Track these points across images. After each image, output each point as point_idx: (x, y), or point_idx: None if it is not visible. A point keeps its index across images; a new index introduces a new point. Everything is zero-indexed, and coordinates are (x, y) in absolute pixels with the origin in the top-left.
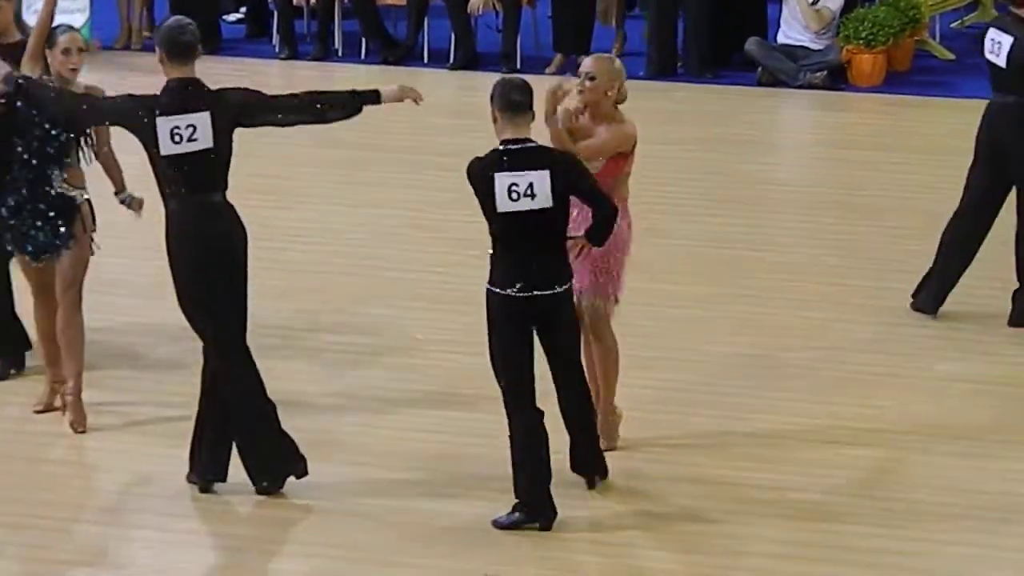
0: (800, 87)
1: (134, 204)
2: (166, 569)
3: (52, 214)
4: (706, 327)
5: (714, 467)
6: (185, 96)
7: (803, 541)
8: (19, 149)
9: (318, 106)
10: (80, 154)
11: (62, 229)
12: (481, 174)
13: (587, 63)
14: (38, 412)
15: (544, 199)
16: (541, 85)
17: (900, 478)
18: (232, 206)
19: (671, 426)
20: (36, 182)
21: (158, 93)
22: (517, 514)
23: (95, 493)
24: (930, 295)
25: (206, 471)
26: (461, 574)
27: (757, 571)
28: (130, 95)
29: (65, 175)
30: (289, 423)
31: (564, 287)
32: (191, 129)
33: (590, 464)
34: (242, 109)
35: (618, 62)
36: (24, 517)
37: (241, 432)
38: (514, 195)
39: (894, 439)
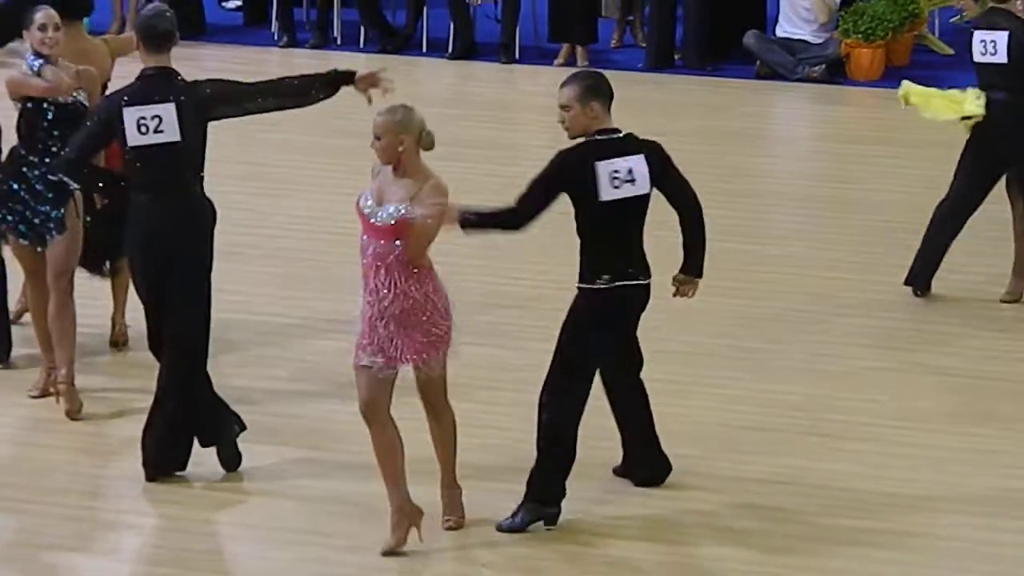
0: (798, 80)
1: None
2: (155, 555)
3: (51, 195)
4: (702, 319)
5: (711, 460)
6: (153, 86)
7: (800, 535)
8: (41, 135)
9: (295, 82)
10: None
11: (54, 214)
12: (581, 164)
13: (374, 121)
14: (33, 397)
15: (644, 183)
16: (540, 76)
17: (898, 472)
18: (202, 202)
19: (667, 419)
20: (47, 174)
21: (125, 87)
22: (521, 514)
23: (86, 479)
24: (918, 272)
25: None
26: (463, 561)
27: (748, 562)
28: (95, 113)
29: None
30: (285, 412)
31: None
32: (157, 120)
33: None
34: (212, 100)
35: (402, 112)
36: (17, 503)
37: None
38: (616, 182)
39: (891, 433)
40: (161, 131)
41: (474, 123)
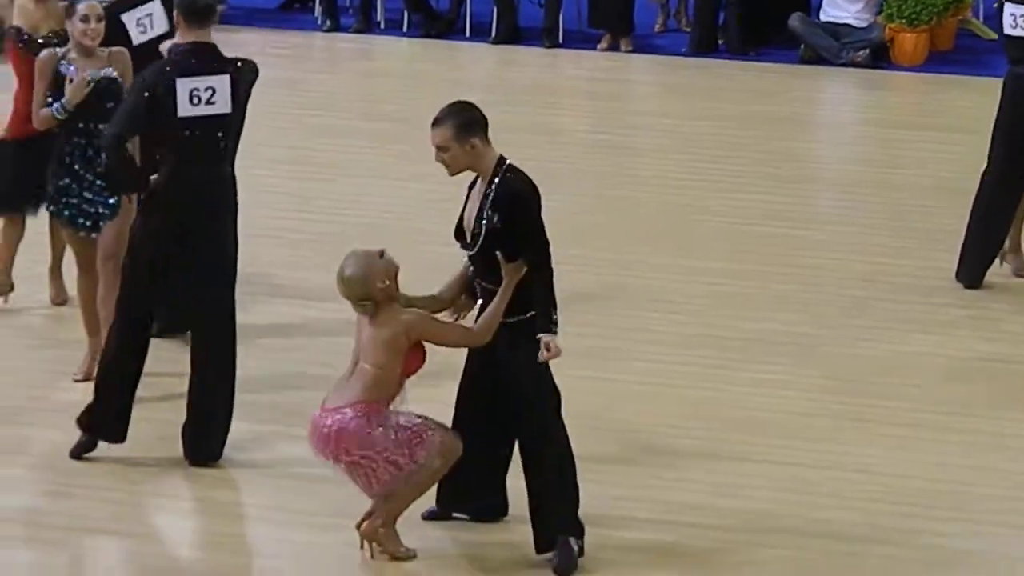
0: (842, 65)
1: None
2: (191, 537)
3: (100, 183)
4: (745, 304)
5: (754, 446)
6: (203, 59)
7: (838, 520)
8: (79, 123)
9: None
10: None
11: (111, 200)
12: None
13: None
14: (77, 381)
15: None
16: (584, 61)
17: (941, 458)
18: (232, 179)
19: (708, 403)
20: (88, 155)
21: (168, 59)
22: (578, 544)
23: (128, 463)
24: (969, 268)
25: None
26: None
27: (788, 546)
28: (139, 89)
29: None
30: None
31: None
32: (210, 91)
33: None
34: (253, 83)
35: (359, 268)
36: (63, 486)
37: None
38: None
39: (934, 419)
40: (213, 103)
41: (517, 108)
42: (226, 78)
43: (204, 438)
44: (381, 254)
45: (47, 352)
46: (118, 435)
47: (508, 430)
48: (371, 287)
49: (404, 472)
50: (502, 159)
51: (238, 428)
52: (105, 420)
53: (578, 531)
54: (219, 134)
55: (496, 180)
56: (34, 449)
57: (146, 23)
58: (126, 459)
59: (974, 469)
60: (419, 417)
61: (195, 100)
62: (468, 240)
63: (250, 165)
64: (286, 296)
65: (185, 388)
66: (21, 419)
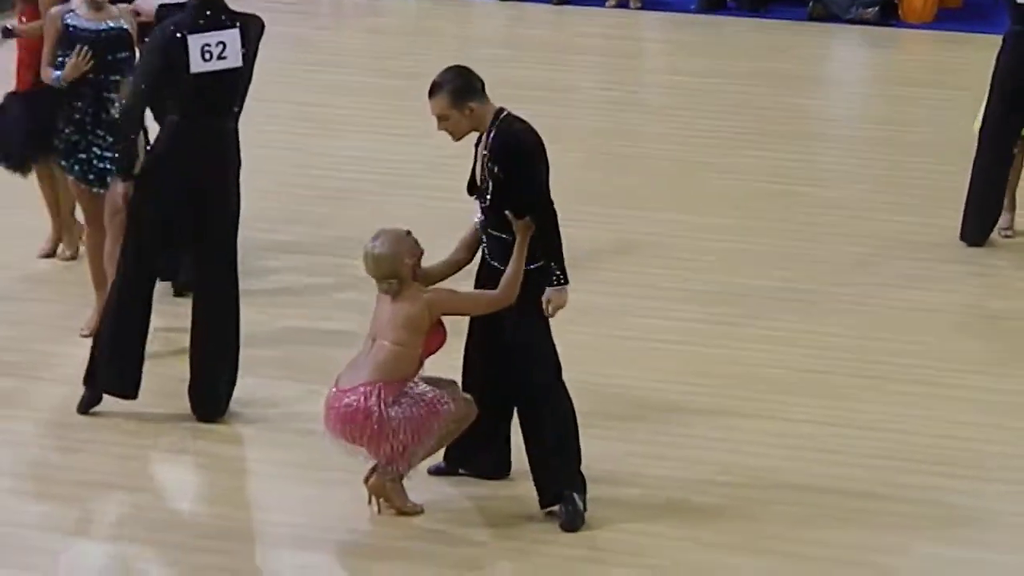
0: (851, 22)
1: None
2: (202, 492)
3: (110, 139)
4: (752, 260)
5: (760, 402)
6: (211, 13)
7: (850, 476)
8: (88, 74)
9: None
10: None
11: (117, 155)
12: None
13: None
14: (84, 336)
15: None
16: (595, 19)
17: (946, 414)
18: (236, 134)
19: (716, 359)
20: (97, 108)
21: (176, 15)
22: (581, 499)
23: (139, 418)
24: (971, 227)
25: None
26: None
27: (797, 503)
28: (151, 51)
29: (121, 99)
30: (331, 353)
31: None
32: (221, 46)
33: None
34: (259, 37)
35: (389, 246)
36: (75, 442)
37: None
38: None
39: (940, 375)
40: (224, 57)
41: (526, 65)
42: (235, 32)
43: (209, 394)
44: (407, 233)
45: (55, 307)
46: (125, 389)
47: (510, 387)
48: (399, 265)
49: (419, 446)
50: (499, 111)
51: (244, 383)
52: (108, 374)
53: (580, 486)
54: (229, 88)
55: (492, 132)
56: (43, 404)
57: None
58: (135, 414)
59: (983, 426)
60: (433, 387)
61: (207, 56)
62: (480, 194)
63: (258, 121)
64: (291, 251)
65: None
66: (30, 373)
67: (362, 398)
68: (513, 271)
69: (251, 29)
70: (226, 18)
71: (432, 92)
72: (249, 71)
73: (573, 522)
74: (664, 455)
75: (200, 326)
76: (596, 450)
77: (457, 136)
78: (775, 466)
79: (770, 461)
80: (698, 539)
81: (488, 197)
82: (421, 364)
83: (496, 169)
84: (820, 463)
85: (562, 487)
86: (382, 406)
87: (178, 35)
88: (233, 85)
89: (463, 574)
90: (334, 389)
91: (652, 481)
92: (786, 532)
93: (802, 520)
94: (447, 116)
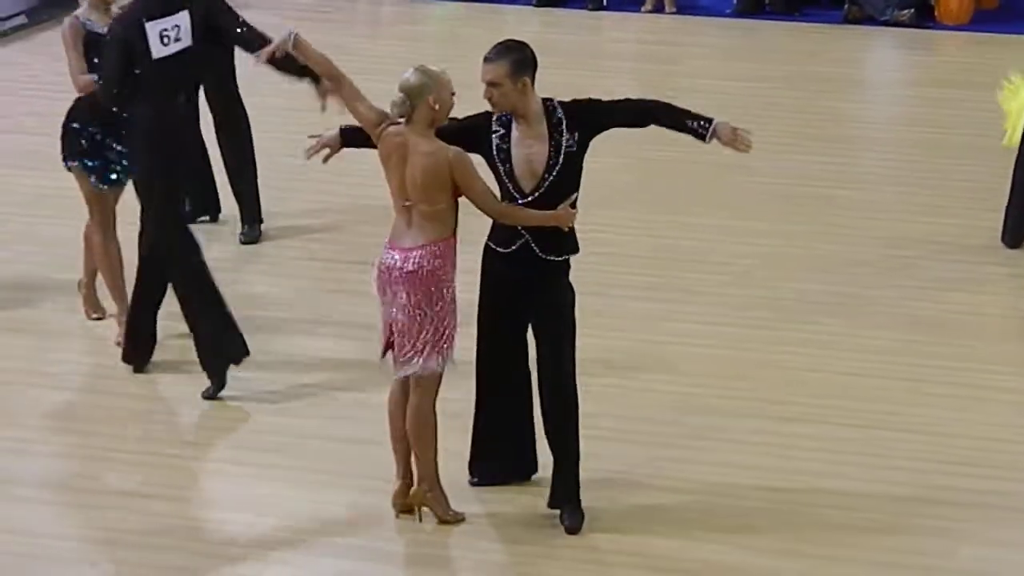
0: (886, 23)
1: None
2: (220, 500)
3: (124, 133)
4: (791, 264)
5: (801, 406)
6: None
7: (887, 480)
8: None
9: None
10: None
11: (125, 161)
12: None
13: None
14: (118, 345)
15: None
16: (628, 24)
17: (986, 416)
18: (197, 113)
19: (755, 363)
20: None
21: (132, 6)
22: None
23: (170, 427)
24: (1012, 229)
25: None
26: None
27: (839, 507)
28: (113, 41)
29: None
30: (364, 363)
31: None
32: (176, 29)
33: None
34: (209, 11)
35: (427, 75)
36: (98, 450)
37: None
38: None
39: (981, 378)
40: (179, 40)
41: (562, 71)
42: (186, 14)
43: (210, 360)
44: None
45: (81, 316)
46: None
47: (533, 387)
48: (425, 95)
49: (441, 341)
50: (548, 99)
51: (272, 394)
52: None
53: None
54: (189, 69)
55: (554, 109)
56: (64, 413)
57: None
58: (158, 424)
59: (1022, 429)
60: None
61: (165, 40)
62: (528, 187)
63: (297, 132)
64: (324, 259)
65: None
66: (53, 384)
67: (426, 257)
68: (527, 215)
69: (195, 5)
70: (178, 1)
71: (491, 58)
72: (202, 48)
73: (576, 524)
74: (702, 459)
75: (183, 302)
76: (634, 454)
77: (501, 107)
78: (815, 470)
79: (810, 465)
80: (736, 543)
81: (547, 183)
82: (457, 209)
83: (575, 138)
84: (860, 467)
85: (572, 494)
86: (446, 265)
87: (136, 24)
88: (193, 65)
89: None
90: (389, 249)
91: (690, 485)
92: (825, 536)
93: (842, 524)
94: (501, 84)
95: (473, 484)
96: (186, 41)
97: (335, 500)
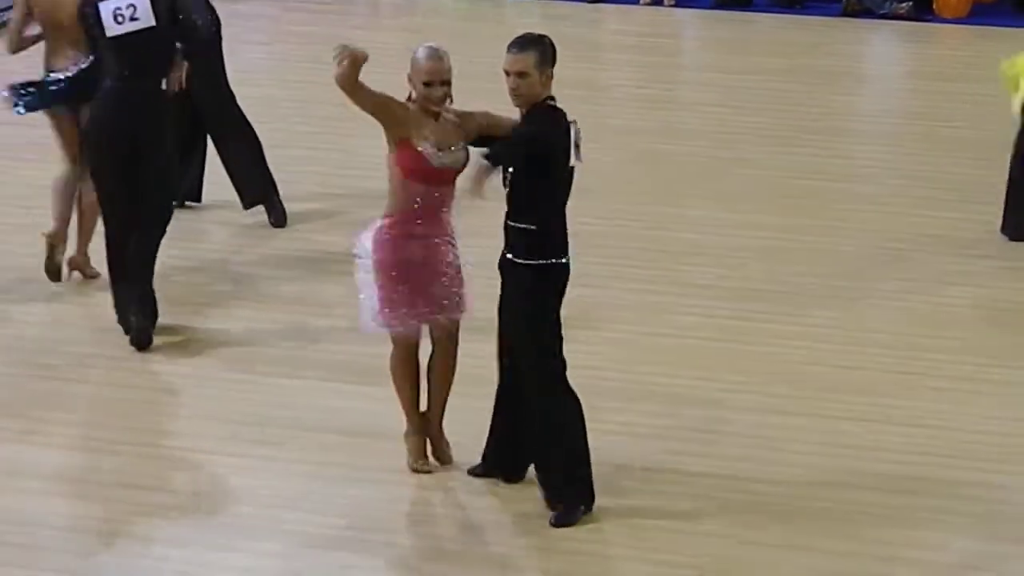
0: (884, 16)
1: None
2: (238, 495)
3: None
4: (790, 257)
5: (798, 399)
6: None
7: (885, 472)
8: None
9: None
10: None
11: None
12: (561, 129)
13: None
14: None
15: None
16: (628, 16)
17: (986, 410)
18: (162, 95)
19: (753, 356)
20: None
21: None
22: (582, 504)
23: (170, 419)
24: (1012, 221)
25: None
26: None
27: (836, 500)
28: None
29: None
30: (372, 354)
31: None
32: (132, 8)
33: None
34: None
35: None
36: (109, 443)
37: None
38: (576, 149)
39: (977, 371)
40: (136, 19)
41: (561, 63)
42: None
43: (135, 323)
44: None
45: (87, 309)
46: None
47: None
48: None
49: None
50: (551, 97)
51: (284, 387)
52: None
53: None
54: (149, 48)
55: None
56: (73, 405)
57: None
58: (168, 416)
59: (1019, 421)
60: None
61: (119, 19)
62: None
63: (298, 123)
64: (333, 251)
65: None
66: (61, 375)
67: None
68: (480, 168)
69: None
70: None
71: (522, 47)
72: (171, 30)
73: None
74: (702, 452)
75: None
76: (631, 448)
77: (524, 99)
78: (813, 463)
79: (808, 458)
80: (736, 536)
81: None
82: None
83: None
84: (858, 459)
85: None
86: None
87: (89, 5)
88: (153, 44)
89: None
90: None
91: (690, 478)
92: (824, 528)
93: (841, 516)
94: (529, 75)
95: (472, 473)
96: (146, 21)
97: (337, 492)
